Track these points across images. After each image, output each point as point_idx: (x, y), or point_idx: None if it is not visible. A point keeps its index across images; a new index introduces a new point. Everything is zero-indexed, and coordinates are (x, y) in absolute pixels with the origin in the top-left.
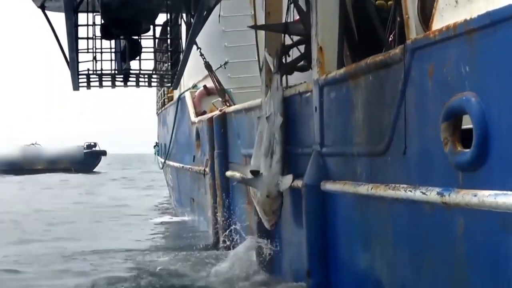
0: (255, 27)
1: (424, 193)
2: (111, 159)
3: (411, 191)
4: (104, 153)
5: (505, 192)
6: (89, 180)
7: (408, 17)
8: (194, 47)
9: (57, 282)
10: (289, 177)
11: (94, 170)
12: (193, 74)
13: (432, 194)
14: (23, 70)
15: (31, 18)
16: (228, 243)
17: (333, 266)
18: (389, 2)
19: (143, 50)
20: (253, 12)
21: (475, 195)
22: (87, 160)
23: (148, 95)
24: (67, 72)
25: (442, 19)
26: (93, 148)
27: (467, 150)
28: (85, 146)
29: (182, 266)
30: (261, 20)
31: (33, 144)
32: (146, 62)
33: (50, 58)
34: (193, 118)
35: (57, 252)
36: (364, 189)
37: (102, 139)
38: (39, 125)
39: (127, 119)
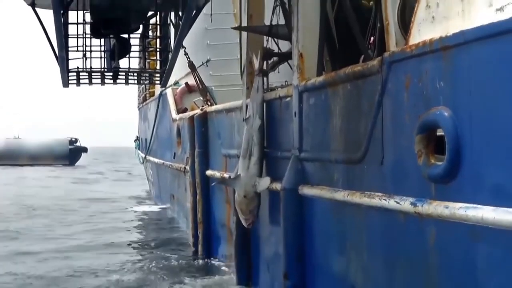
0: (239, 28)
1: (398, 203)
2: (92, 153)
3: (385, 199)
4: (85, 149)
5: (474, 205)
6: (73, 174)
7: (388, 23)
8: None
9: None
10: (267, 180)
11: (76, 164)
12: (175, 71)
13: (405, 204)
14: (6, 64)
15: (20, 14)
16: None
17: (309, 269)
18: (371, 3)
19: (132, 48)
20: (236, 11)
21: (447, 207)
22: (70, 155)
23: (129, 89)
24: (51, 67)
25: (419, 34)
26: (75, 144)
27: (440, 163)
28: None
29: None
30: (245, 22)
31: (15, 138)
32: (135, 59)
33: (34, 52)
34: (174, 115)
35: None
36: (341, 195)
37: (83, 132)
38: (21, 118)
39: (108, 112)
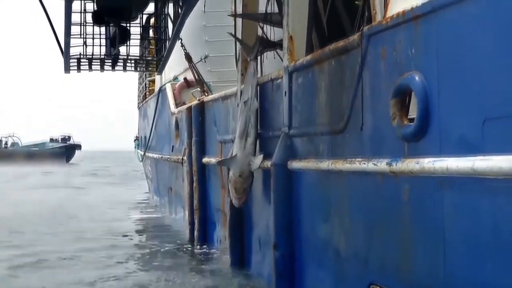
0: (235, 15)
1: (375, 164)
2: (88, 154)
3: (364, 163)
4: (78, 147)
5: (441, 158)
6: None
7: (376, 12)
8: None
9: None
10: (260, 157)
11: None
12: (174, 66)
13: (382, 165)
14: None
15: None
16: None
17: (297, 238)
18: None
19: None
20: (232, 7)
21: (417, 163)
22: (63, 153)
23: (130, 88)
24: (46, 61)
25: (395, 8)
26: (68, 142)
27: (412, 123)
28: (59, 139)
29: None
30: (239, 11)
31: (10, 136)
32: (133, 48)
33: (23, 47)
34: (173, 109)
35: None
36: (325, 164)
37: (79, 134)
38: (15, 116)
39: (108, 111)
